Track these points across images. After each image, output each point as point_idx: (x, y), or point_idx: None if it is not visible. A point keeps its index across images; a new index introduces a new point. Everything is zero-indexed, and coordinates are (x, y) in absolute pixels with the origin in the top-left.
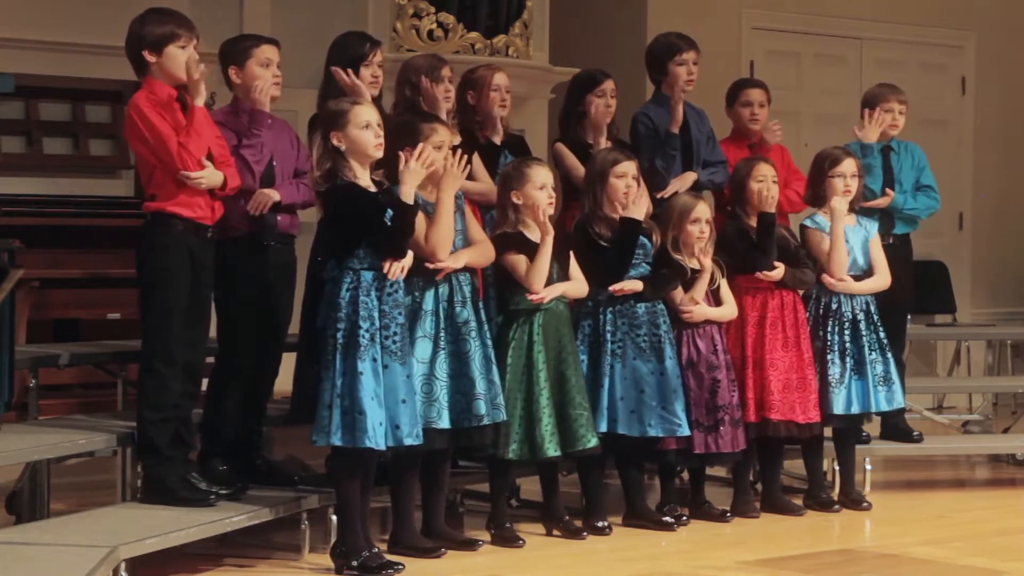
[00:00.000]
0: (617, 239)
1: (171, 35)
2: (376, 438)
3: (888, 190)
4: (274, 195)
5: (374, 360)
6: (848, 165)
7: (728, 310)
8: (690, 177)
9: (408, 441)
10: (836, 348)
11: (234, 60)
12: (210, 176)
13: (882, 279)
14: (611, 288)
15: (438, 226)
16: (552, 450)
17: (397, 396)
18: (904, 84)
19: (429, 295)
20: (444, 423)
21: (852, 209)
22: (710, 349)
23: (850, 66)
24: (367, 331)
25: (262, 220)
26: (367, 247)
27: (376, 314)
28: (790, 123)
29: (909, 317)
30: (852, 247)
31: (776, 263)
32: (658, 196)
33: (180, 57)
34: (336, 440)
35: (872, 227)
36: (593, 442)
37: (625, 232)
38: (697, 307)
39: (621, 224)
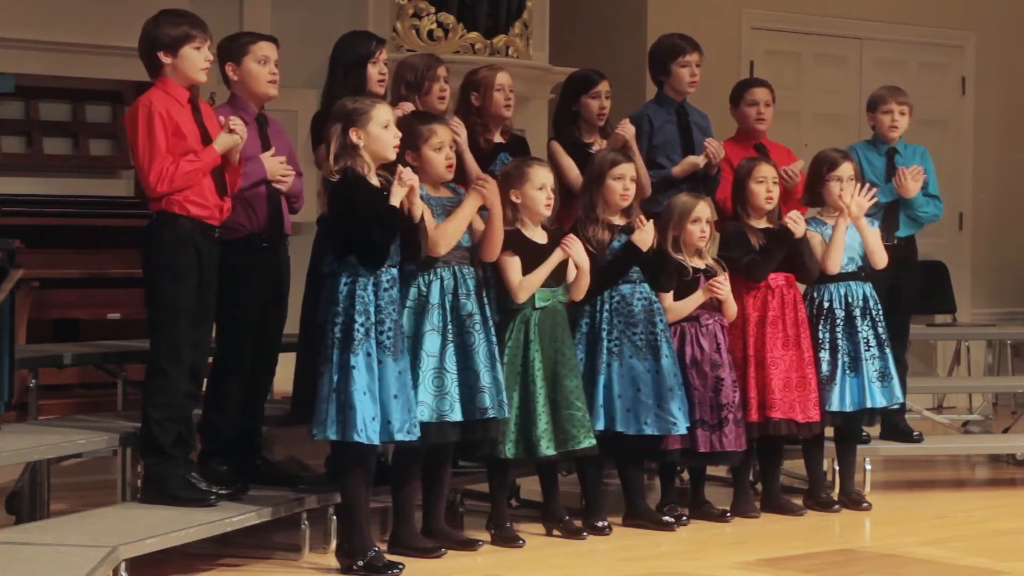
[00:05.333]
0: (615, 258)
1: (186, 36)
2: (367, 432)
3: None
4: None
5: (368, 355)
6: (845, 168)
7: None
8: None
9: (399, 436)
10: (828, 345)
11: (231, 56)
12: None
13: (881, 254)
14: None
15: (449, 222)
16: (548, 449)
17: (389, 392)
18: (904, 84)
19: (435, 287)
20: (456, 416)
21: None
22: (713, 347)
23: (850, 66)
24: (362, 325)
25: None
26: (359, 256)
27: (372, 309)
28: (790, 123)
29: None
30: (853, 244)
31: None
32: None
33: (195, 58)
34: (331, 434)
35: (873, 224)
36: (587, 442)
37: (626, 256)
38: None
39: (625, 247)
